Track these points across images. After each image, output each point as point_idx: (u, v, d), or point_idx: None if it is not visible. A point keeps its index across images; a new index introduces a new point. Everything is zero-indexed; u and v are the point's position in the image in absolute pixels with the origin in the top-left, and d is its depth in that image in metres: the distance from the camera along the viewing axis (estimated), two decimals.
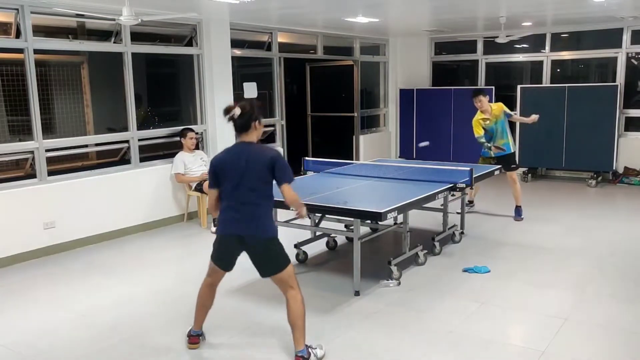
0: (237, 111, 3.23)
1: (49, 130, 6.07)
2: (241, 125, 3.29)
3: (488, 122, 6.66)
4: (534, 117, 6.87)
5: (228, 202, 3.33)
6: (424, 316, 4.11)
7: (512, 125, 7.05)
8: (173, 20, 6.59)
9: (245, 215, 3.28)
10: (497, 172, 6.25)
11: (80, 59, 6.95)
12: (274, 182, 3.31)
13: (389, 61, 11.15)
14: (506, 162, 6.66)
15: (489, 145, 6.66)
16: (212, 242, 3.49)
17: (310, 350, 3.38)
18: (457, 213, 6.25)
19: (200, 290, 3.60)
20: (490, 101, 6.93)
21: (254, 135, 3.33)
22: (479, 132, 6.67)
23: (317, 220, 5.10)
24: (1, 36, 5.66)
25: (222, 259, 3.47)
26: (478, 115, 6.72)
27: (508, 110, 6.82)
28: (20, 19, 5.53)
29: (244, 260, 3.43)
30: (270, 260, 3.34)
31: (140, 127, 6.74)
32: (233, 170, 3.28)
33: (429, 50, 11.00)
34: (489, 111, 6.67)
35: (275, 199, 3.38)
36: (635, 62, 9.17)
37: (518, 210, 6.84)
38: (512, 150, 6.81)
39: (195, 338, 3.65)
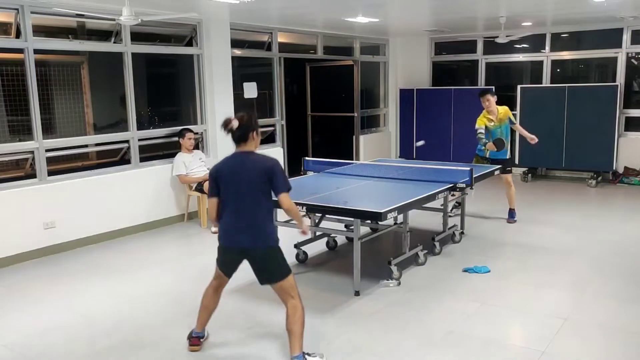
0: (234, 123, 3.28)
1: (49, 130, 6.06)
2: (239, 137, 3.32)
3: (492, 124, 6.55)
4: (534, 137, 6.82)
5: (229, 211, 3.34)
6: (424, 316, 4.11)
7: (510, 131, 7.07)
8: (173, 20, 6.59)
9: (246, 225, 3.31)
10: (497, 172, 6.25)
11: (80, 59, 6.94)
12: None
13: (389, 61, 11.15)
14: (502, 165, 6.54)
15: (485, 141, 6.49)
16: (217, 247, 3.49)
17: (306, 356, 3.32)
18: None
19: (206, 292, 3.62)
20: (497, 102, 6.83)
21: (252, 145, 3.36)
22: (480, 124, 6.51)
23: (317, 220, 5.10)
24: (1, 36, 5.66)
25: (226, 266, 3.51)
26: (484, 115, 6.60)
27: (512, 118, 6.77)
28: (20, 19, 5.54)
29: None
30: (271, 270, 3.35)
31: (140, 127, 6.74)
32: (232, 179, 3.31)
33: (429, 50, 11.00)
34: (495, 113, 6.56)
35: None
36: (636, 62, 9.17)
37: (511, 213, 6.77)
38: (509, 157, 6.78)
39: (196, 340, 3.64)
